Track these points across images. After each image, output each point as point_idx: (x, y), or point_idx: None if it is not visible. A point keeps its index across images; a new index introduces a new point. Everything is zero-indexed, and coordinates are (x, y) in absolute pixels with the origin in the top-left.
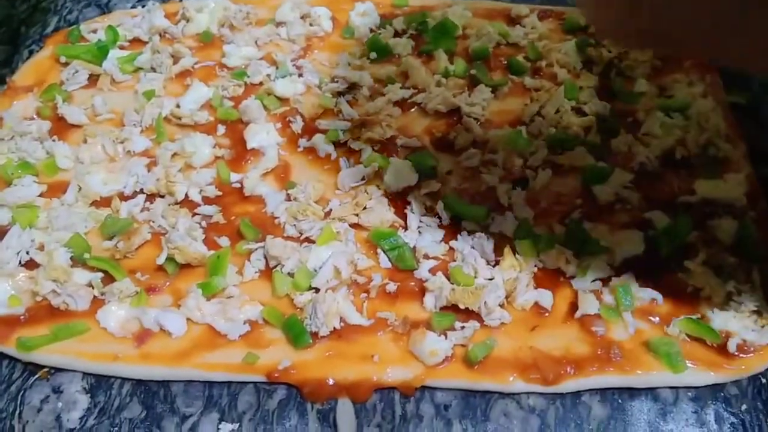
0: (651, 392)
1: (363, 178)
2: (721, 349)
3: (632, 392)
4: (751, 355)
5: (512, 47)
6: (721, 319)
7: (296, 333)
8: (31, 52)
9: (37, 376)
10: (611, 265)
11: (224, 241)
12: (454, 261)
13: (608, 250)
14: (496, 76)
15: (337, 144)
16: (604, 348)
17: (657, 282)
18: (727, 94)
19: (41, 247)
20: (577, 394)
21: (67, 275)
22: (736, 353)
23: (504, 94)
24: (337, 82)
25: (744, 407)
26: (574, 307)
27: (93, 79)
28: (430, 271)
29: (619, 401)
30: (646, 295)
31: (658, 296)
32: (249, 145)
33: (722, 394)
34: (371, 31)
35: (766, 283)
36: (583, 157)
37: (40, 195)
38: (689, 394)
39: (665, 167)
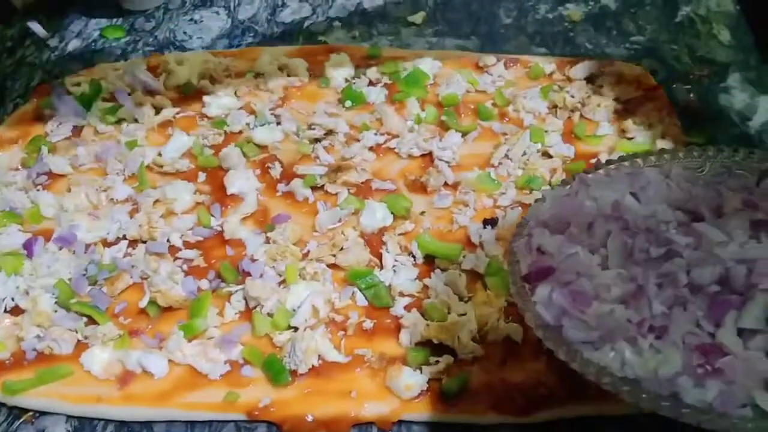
0: (621, 420)
1: (340, 220)
2: None
3: (603, 420)
4: None
5: (480, 94)
6: None
7: (276, 371)
8: (16, 105)
9: (22, 419)
10: None
11: (205, 284)
12: (428, 298)
13: None
14: (466, 121)
15: (314, 188)
16: (573, 378)
17: None
18: (685, 135)
19: (26, 293)
20: (549, 424)
21: (52, 320)
22: None
23: (473, 139)
24: (314, 129)
25: None
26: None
27: (77, 130)
28: (405, 308)
29: (590, 429)
30: None
31: None
32: (229, 191)
33: None
34: (346, 80)
35: None
36: None
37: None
38: (657, 420)
39: None
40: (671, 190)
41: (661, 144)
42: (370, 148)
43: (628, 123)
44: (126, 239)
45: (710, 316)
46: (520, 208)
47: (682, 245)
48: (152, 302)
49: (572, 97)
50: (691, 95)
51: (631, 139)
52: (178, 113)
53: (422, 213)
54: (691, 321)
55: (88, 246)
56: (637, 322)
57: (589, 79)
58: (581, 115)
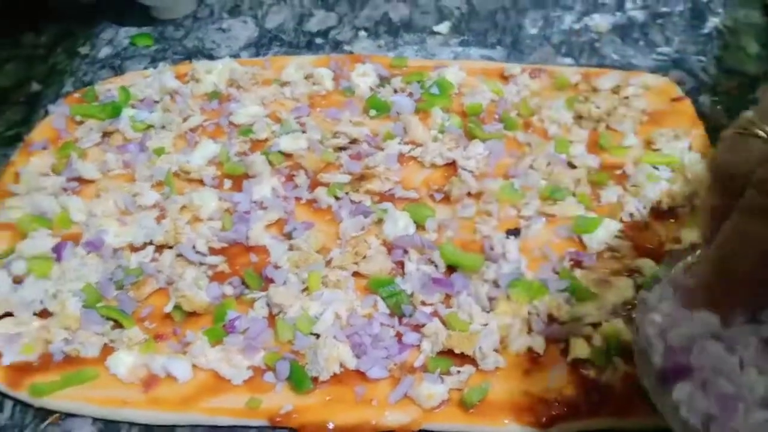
0: None
1: (363, 228)
2: None
3: None
4: None
5: (505, 103)
6: None
7: (298, 378)
8: (47, 112)
9: (48, 421)
10: (601, 311)
11: (229, 290)
12: (450, 307)
13: (598, 296)
14: (490, 131)
15: (338, 196)
16: (595, 391)
17: None
18: (712, 147)
19: (54, 297)
20: None
21: (79, 323)
22: None
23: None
24: (338, 137)
25: None
26: (565, 351)
27: (106, 136)
28: (426, 317)
29: None
30: None
31: None
32: (254, 198)
33: None
34: (371, 89)
35: None
36: (573, 208)
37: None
38: None
39: (653, 217)
40: None
41: (689, 157)
42: (394, 157)
43: (655, 134)
44: (153, 245)
45: None
46: (543, 218)
47: None
48: (177, 307)
49: (597, 107)
50: (719, 107)
51: (657, 150)
52: (205, 121)
53: (445, 222)
54: None
55: (115, 251)
56: None
57: (615, 90)
58: (607, 126)
